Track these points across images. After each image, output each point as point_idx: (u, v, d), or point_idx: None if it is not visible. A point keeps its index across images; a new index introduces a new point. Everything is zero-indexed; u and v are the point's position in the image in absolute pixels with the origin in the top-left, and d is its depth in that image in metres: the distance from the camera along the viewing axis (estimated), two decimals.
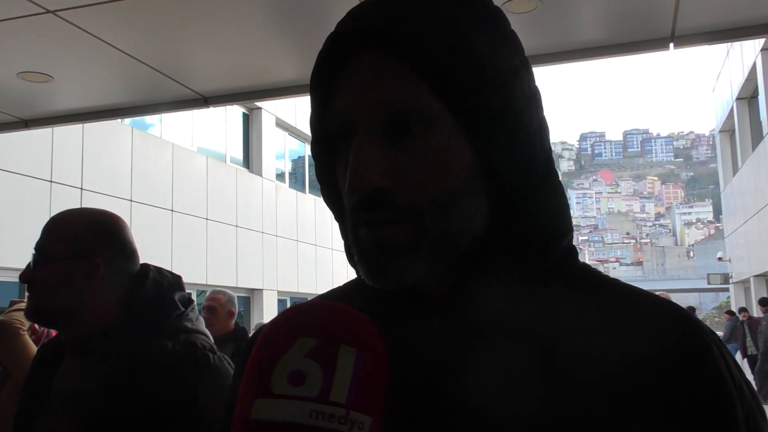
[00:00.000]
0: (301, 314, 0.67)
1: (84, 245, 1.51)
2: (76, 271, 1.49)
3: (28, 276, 1.50)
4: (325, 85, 0.73)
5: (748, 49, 15.26)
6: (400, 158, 0.69)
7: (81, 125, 8.71)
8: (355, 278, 0.83)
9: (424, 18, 0.69)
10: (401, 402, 0.70)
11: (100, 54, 3.85)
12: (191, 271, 11.13)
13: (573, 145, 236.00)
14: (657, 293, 0.78)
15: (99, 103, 4.80)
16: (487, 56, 0.70)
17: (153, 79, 4.22)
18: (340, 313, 0.66)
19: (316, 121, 0.76)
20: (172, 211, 11.15)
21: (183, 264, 10.67)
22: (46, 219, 1.56)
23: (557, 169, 0.78)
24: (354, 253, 0.72)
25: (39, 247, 1.51)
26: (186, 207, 11.51)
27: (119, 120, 9.68)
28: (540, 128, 0.74)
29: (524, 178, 0.72)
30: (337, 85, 0.72)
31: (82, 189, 9.14)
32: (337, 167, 0.75)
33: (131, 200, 10.13)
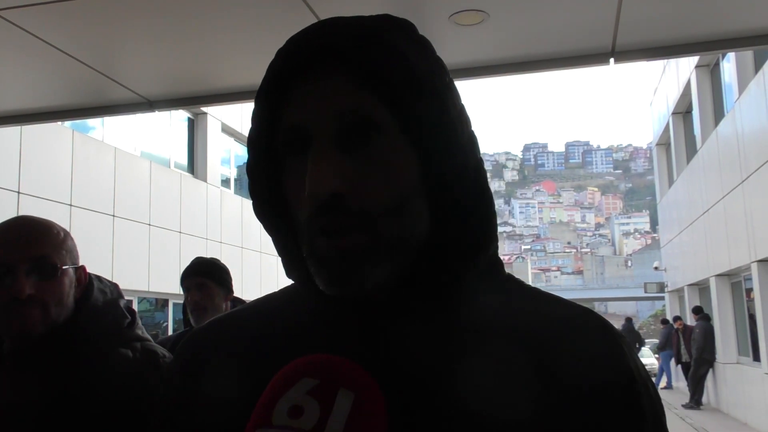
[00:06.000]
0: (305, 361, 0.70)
1: (74, 252, 1.49)
2: (73, 279, 1.47)
3: (32, 290, 1.35)
4: (276, 100, 0.77)
5: (684, 65, 15.81)
6: (355, 166, 0.74)
7: (19, 127, 8.46)
8: (288, 286, 0.87)
9: (369, 38, 0.76)
10: None
11: (41, 55, 3.75)
12: (133, 277, 10.89)
13: (517, 155, 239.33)
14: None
15: (39, 104, 4.66)
16: (424, 73, 0.77)
17: (97, 81, 4.13)
18: (339, 362, 0.69)
19: (263, 135, 0.79)
20: (113, 216, 10.89)
21: (124, 270, 10.43)
22: None
23: (491, 179, 0.82)
24: (311, 263, 0.75)
25: (38, 257, 1.39)
26: (128, 212, 11.26)
27: (59, 122, 9.43)
28: (470, 139, 0.81)
29: (458, 183, 0.78)
30: (288, 100, 0.76)
31: (19, 193, 8.85)
32: (284, 181, 0.78)
33: (71, 205, 9.86)
